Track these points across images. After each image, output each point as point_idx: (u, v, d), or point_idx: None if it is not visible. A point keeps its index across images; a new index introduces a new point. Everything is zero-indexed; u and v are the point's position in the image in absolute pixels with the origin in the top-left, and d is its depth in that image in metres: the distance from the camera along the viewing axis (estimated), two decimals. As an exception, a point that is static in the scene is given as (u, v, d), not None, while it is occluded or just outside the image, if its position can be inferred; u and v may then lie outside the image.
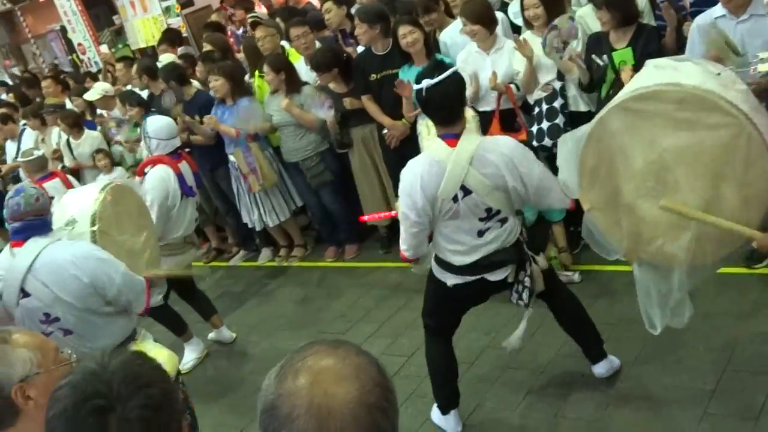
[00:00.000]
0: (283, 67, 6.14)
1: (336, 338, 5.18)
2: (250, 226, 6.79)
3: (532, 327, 4.56)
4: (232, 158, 6.43)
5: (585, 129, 3.09)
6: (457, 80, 3.44)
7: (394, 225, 6.35)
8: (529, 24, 5.17)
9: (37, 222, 3.57)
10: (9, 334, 2.11)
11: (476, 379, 4.31)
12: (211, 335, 5.72)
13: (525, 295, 3.65)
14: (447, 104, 3.42)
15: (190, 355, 5.42)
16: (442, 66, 3.50)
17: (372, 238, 6.66)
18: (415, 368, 4.54)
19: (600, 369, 3.94)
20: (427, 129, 4.57)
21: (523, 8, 5.13)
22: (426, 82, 3.38)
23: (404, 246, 3.67)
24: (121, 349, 1.54)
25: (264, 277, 6.80)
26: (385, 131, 5.83)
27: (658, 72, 3.02)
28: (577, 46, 4.84)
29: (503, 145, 3.47)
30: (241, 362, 5.41)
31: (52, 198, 4.32)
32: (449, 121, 3.44)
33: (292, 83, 6.15)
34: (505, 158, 3.38)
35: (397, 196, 5.88)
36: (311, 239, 7.14)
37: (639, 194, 3.02)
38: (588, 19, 5.10)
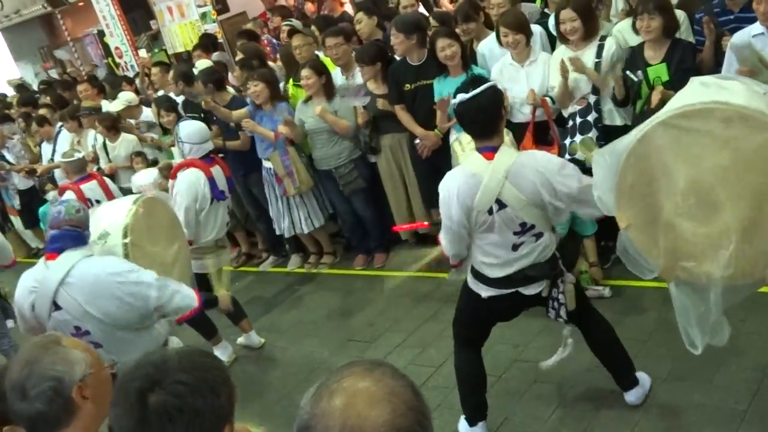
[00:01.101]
0: (323, 71, 6.21)
1: (364, 345, 5.23)
2: (278, 233, 6.84)
3: (561, 341, 4.55)
4: (266, 163, 6.49)
5: (624, 144, 3.04)
6: (495, 94, 3.46)
7: (423, 234, 6.41)
8: (564, 38, 5.15)
9: (73, 233, 3.65)
10: (58, 337, 2.18)
11: (504, 391, 4.30)
12: (240, 339, 5.76)
13: (562, 312, 3.65)
14: (482, 118, 3.44)
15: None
16: (480, 80, 3.53)
17: (403, 247, 6.67)
18: (443, 379, 4.53)
19: (631, 397, 3.89)
20: (460, 146, 4.58)
21: (558, 22, 5.12)
22: (462, 96, 3.41)
23: (447, 250, 3.71)
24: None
25: (293, 284, 6.84)
26: (416, 141, 5.85)
27: (704, 89, 2.99)
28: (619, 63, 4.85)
29: (540, 161, 3.47)
30: (269, 367, 5.44)
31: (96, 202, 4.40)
32: (485, 135, 3.47)
33: (328, 89, 6.21)
34: (540, 175, 3.38)
35: (427, 206, 6.03)
36: (340, 247, 7.17)
37: (679, 212, 2.98)
38: (625, 33, 5.08)
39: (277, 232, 6.85)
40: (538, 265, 3.58)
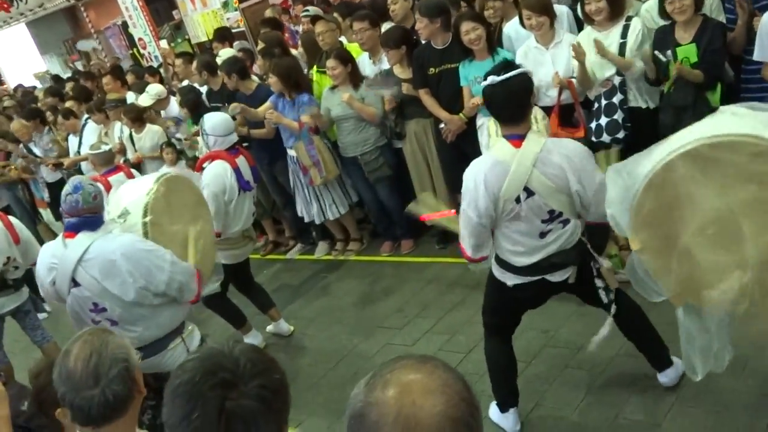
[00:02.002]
0: (349, 59, 6.20)
1: (393, 332, 5.23)
2: (307, 220, 6.85)
3: (592, 326, 4.50)
4: (291, 152, 6.50)
5: (646, 170, 2.92)
6: (525, 80, 3.41)
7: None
8: (589, 18, 5.08)
9: (91, 219, 3.69)
10: (105, 329, 2.25)
11: (535, 377, 4.29)
12: (269, 328, 5.79)
13: (604, 295, 3.62)
14: (512, 103, 3.40)
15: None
16: (510, 65, 3.48)
17: (428, 233, 6.64)
18: (473, 365, 4.53)
19: (665, 378, 3.86)
20: (495, 126, 4.53)
21: (583, 2, 5.04)
22: (493, 78, 3.36)
23: (465, 245, 3.66)
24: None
25: (321, 271, 6.86)
26: (441, 126, 5.83)
27: (735, 120, 2.88)
28: (645, 43, 4.75)
29: (568, 148, 3.44)
30: (298, 355, 5.47)
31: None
32: (513, 121, 3.42)
33: (354, 77, 6.19)
34: (569, 161, 3.35)
35: (451, 191, 6.00)
36: (367, 233, 7.17)
37: (698, 241, 2.89)
38: (653, 13, 4.99)
39: (306, 220, 6.87)
40: (564, 251, 3.55)
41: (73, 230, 3.69)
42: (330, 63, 6.19)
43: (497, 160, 3.42)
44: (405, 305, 5.68)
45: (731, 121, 2.89)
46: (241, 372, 1.52)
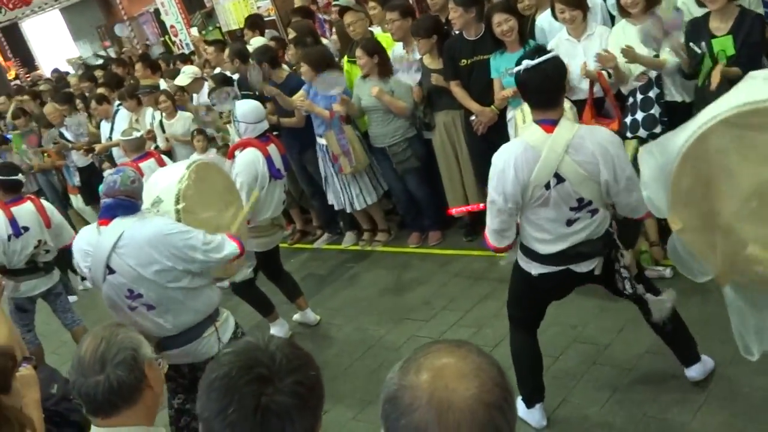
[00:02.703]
0: (376, 50, 6.18)
1: (420, 324, 5.23)
2: (337, 208, 6.86)
3: (620, 322, 4.51)
4: (321, 141, 6.51)
5: (678, 145, 2.83)
6: (558, 64, 3.39)
7: (479, 213, 6.36)
8: (624, 11, 5.00)
9: (126, 203, 3.71)
10: (121, 324, 2.27)
11: (561, 373, 4.26)
12: (296, 317, 5.81)
13: (627, 285, 3.59)
14: (546, 87, 3.37)
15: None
16: (543, 50, 3.44)
17: (456, 225, 6.63)
18: (500, 359, 4.33)
19: (693, 372, 3.83)
20: (522, 116, 4.49)
21: (619, -6, 4.98)
22: (527, 62, 3.33)
23: (490, 233, 3.63)
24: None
25: (348, 261, 6.87)
26: (472, 118, 5.79)
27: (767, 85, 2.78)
28: (679, 36, 4.66)
29: (601, 135, 3.41)
30: (324, 345, 5.48)
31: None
32: (547, 105, 3.38)
33: (383, 68, 6.17)
34: (602, 149, 3.32)
35: (480, 184, 5.97)
36: (395, 224, 7.16)
37: (740, 216, 2.78)
38: (690, 5, 4.91)
39: (336, 207, 6.87)
40: (591, 241, 3.51)
41: (107, 215, 3.71)
42: (357, 53, 6.20)
43: (528, 145, 3.37)
44: (432, 297, 5.67)
45: (764, 86, 2.76)
46: (277, 368, 1.52)
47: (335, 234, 7.39)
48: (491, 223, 3.58)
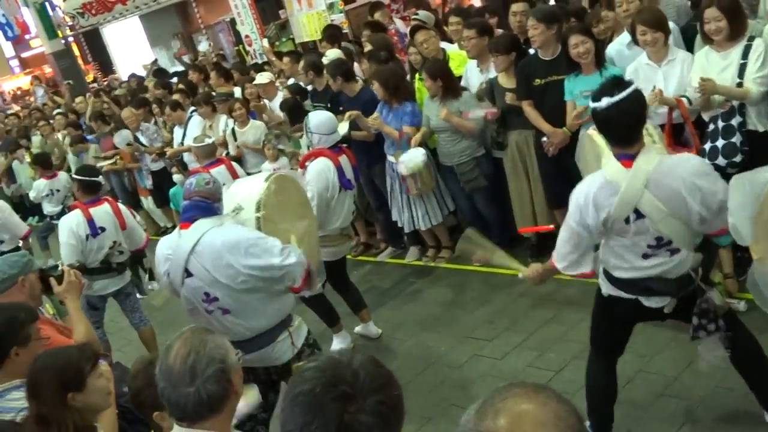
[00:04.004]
0: (439, 74, 6.19)
1: (482, 343, 5.18)
2: (399, 225, 6.88)
3: (691, 354, 4.37)
4: (391, 158, 6.53)
5: (765, 176, 2.84)
6: (638, 99, 3.29)
7: (545, 234, 6.29)
8: (707, 38, 4.91)
9: (202, 204, 3.80)
10: (205, 328, 2.32)
11: (628, 403, 4.16)
12: (358, 329, 5.83)
13: (712, 327, 3.45)
14: (626, 124, 3.27)
15: (338, 346, 5.54)
16: (621, 83, 3.32)
17: (522, 246, 6.55)
18: (563, 385, 4.44)
19: None
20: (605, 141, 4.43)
21: (702, 21, 4.88)
22: (606, 100, 3.23)
23: (559, 258, 3.58)
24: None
25: (410, 276, 6.86)
26: (544, 139, 5.74)
27: None
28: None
29: (684, 167, 3.27)
30: (385, 359, 5.45)
31: (223, 184, 4.58)
32: (626, 142, 3.28)
33: (449, 90, 6.18)
34: (687, 184, 3.19)
35: (550, 206, 5.91)
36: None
37: None
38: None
39: (399, 224, 6.89)
40: (664, 280, 3.40)
41: (186, 218, 3.81)
42: (423, 75, 6.22)
43: (607, 180, 3.31)
44: (495, 317, 5.62)
45: None
46: (361, 386, 1.53)
47: (399, 248, 7.40)
48: (562, 247, 3.54)
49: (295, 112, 7.07)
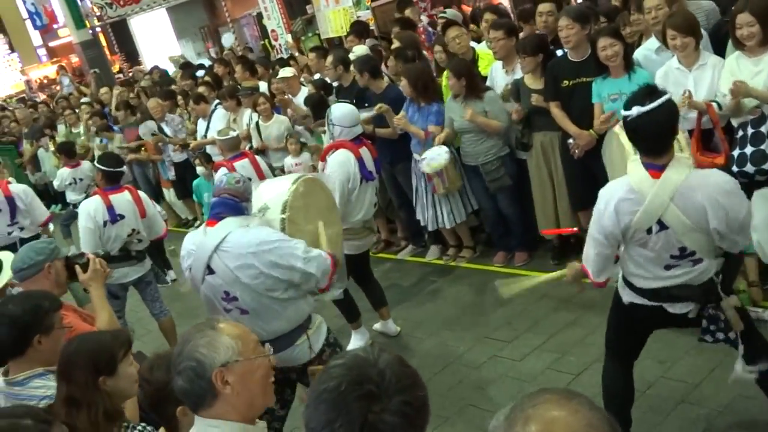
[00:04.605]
0: (464, 72, 6.16)
1: (501, 344, 5.16)
2: (422, 224, 6.87)
3: (712, 362, 4.36)
4: (417, 157, 6.52)
5: None
6: (670, 110, 3.22)
7: (568, 236, 6.26)
8: (739, 43, 4.85)
9: (230, 202, 3.81)
10: (217, 321, 2.25)
11: (648, 408, 4.13)
12: (377, 326, 5.83)
13: (720, 335, 3.42)
14: (657, 134, 3.20)
15: (356, 343, 5.54)
16: (654, 92, 3.24)
17: (543, 248, 6.54)
18: (582, 389, 4.41)
19: None
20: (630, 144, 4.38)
21: (734, 26, 4.83)
22: (636, 109, 3.17)
23: (588, 265, 3.57)
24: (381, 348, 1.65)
25: (431, 274, 6.85)
26: (570, 141, 5.71)
27: None
28: None
29: (712, 184, 3.20)
30: (404, 357, 5.44)
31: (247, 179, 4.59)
32: (655, 153, 3.22)
33: (473, 89, 6.16)
34: (712, 200, 3.14)
35: (573, 208, 5.88)
36: (480, 242, 7.11)
37: None
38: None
39: (422, 223, 6.88)
40: (688, 286, 3.36)
41: (213, 215, 3.82)
42: (446, 73, 6.20)
43: (632, 188, 3.24)
44: (514, 318, 5.60)
45: None
46: (386, 385, 1.53)
47: (420, 246, 7.39)
48: (589, 256, 3.52)
49: (320, 107, 7.08)
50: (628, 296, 3.54)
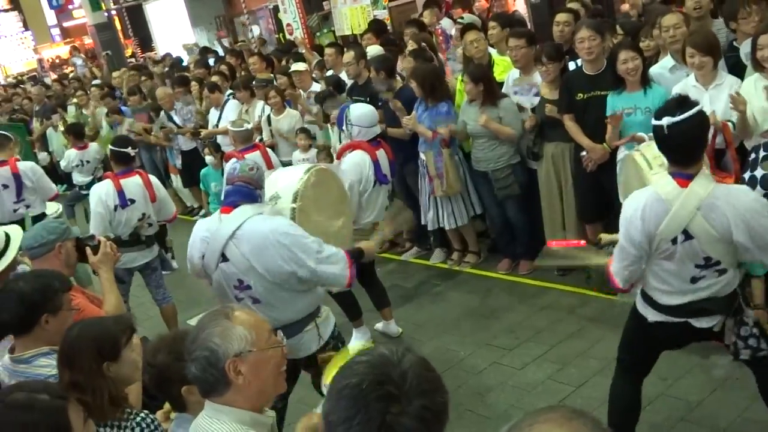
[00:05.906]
0: (482, 78, 6.16)
1: (502, 352, 5.15)
2: (422, 223, 6.87)
3: (714, 382, 4.35)
4: (422, 156, 6.53)
5: None
6: (702, 121, 3.24)
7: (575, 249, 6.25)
8: (758, 65, 4.85)
9: (244, 190, 3.81)
10: (232, 310, 2.26)
11: (648, 425, 4.12)
12: (378, 326, 5.83)
13: (744, 353, 3.42)
14: (688, 144, 3.22)
15: (357, 342, 5.55)
16: (686, 103, 3.26)
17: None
18: (582, 400, 4.42)
19: None
20: (644, 160, 4.38)
21: (755, 47, 4.83)
22: (668, 119, 3.18)
23: (616, 272, 3.53)
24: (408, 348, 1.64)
25: (434, 277, 6.85)
26: (582, 153, 5.71)
27: None
28: None
29: (737, 198, 3.22)
30: (404, 358, 5.46)
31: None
32: (686, 163, 3.24)
33: (489, 95, 6.15)
34: (736, 213, 3.15)
35: (581, 220, 5.88)
36: (485, 247, 7.11)
37: None
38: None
39: (422, 222, 6.88)
40: (714, 299, 3.36)
41: (228, 202, 3.82)
42: (464, 78, 6.20)
43: (659, 197, 3.25)
44: (517, 327, 5.60)
45: None
46: (408, 388, 1.52)
47: (424, 249, 7.39)
48: (618, 265, 3.50)
49: (329, 103, 7.06)
50: (652, 315, 3.50)
